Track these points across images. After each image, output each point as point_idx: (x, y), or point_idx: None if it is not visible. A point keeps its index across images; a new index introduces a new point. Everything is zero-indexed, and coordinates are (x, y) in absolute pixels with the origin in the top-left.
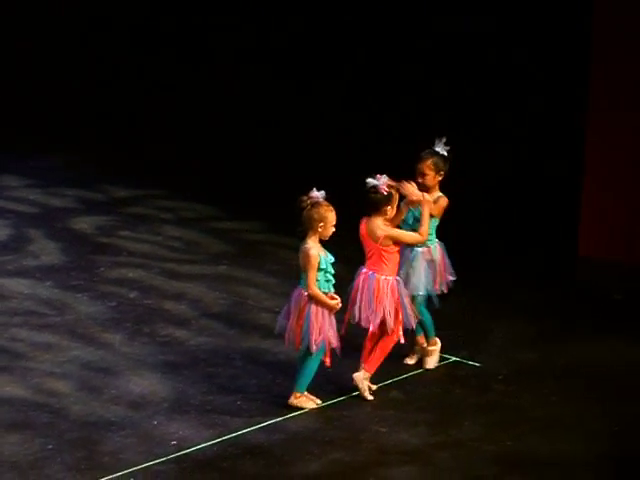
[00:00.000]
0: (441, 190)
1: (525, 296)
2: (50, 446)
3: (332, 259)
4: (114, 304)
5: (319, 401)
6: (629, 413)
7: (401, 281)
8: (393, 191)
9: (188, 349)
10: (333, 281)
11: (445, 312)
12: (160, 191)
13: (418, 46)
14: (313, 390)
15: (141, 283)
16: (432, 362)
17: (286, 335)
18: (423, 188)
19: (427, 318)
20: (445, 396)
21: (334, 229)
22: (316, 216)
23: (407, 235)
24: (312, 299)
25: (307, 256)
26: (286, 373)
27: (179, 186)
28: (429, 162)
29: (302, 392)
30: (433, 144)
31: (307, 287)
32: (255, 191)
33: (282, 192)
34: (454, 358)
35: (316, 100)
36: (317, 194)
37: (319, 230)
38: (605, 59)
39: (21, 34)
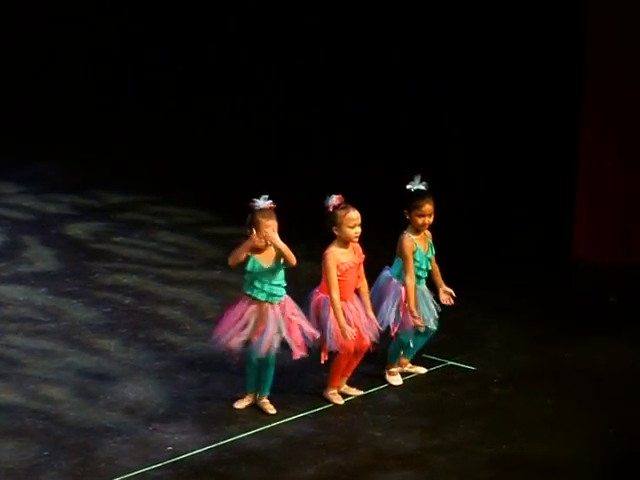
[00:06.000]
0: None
1: (519, 299)
2: (46, 452)
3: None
4: (109, 310)
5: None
6: (625, 415)
7: None
8: None
9: (183, 354)
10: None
11: (439, 316)
12: (154, 197)
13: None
14: (308, 393)
15: (136, 289)
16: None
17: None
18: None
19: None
20: (440, 400)
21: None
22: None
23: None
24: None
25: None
26: (282, 378)
27: (173, 192)
28: (431, 201)
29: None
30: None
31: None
32: (250, 196)
33: (277, 197)
34: (449, 362)
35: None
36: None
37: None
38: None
39: (20, 40)
